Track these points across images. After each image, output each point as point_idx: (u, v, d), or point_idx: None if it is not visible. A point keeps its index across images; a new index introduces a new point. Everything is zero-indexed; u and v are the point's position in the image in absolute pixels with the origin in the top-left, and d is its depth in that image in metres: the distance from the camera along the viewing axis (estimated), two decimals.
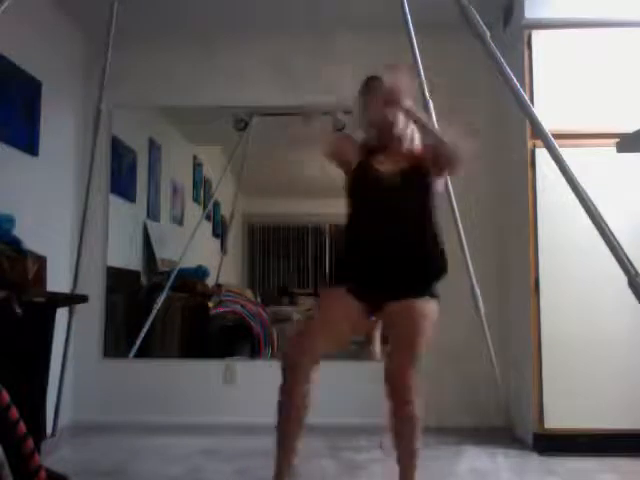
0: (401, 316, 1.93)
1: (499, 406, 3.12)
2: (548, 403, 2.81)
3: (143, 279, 3.63)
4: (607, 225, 1.49)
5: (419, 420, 1.94)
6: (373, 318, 2.01)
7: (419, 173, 1.97)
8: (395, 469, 1.99)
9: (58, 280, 2.81)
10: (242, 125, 3.64)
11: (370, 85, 2.05)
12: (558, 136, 1.66)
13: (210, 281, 3.72)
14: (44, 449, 2.30)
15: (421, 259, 1.96)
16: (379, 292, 1.94)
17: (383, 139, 2.04)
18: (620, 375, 2.81)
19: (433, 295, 1.96)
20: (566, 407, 2.81)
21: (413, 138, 2.03)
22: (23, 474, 1.47)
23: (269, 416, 1.99)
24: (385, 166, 1.99)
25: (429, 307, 1.94)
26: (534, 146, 2.90)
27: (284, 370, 1.94)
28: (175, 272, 3.57)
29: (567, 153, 1.58)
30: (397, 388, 1.93)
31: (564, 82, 2.96)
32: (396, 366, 1.93)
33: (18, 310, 1.93)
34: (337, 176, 2.11)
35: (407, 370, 1.91)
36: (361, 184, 2.01)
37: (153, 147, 3.74)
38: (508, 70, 1.71)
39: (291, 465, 1.96)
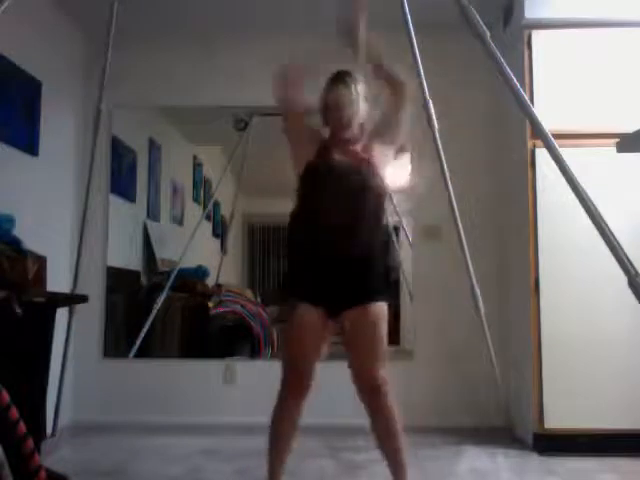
0: (359, 322, 1.96)
1: (499, 406, 3.12)
2: (548, 403, 2.81)
3: (143, 279, 3.63)
4: (607, 225, 1.48)
5: (396, 417, 1.96)
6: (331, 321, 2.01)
7: (369, 170, 2.01)
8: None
9: (58, 280, 2.81)
10: (242, 125, 3.64)
11: (330, 86, 2.13)
12: (558, 136, 1.66)
13: (210, 281, 3.71)
14: (44, 449, 2.30)
15: (372, 262, 2.00)
16: (334, 299, 1.96)
17: (337, 138, 2.09)
18: (620, 375, 2.81)
19: (385, 299, 2.01)
20: (566, 407, 2.81)
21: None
22: (23, 474, 1.47)
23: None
24: (339, 157, 2.04)
25: (383, 309, 1.99)
26: (534, 146, 2.91)
27: (284, 385, 1.99)
28: (175, 272, 3.57)
29: (567, 153, 1.58)
30: (369, 390, 1.95)
31: (564, 82, 2.96)
32: (364, 369, 1.96)
33: (18, 310, 1.93)
34: None
35: (376, 371, 1.95)
36: (316, 170, 2.05)
37: (153, 147, 3.74)
38: (508, 70, 1.71)
39: (284, 464, 2.00)
